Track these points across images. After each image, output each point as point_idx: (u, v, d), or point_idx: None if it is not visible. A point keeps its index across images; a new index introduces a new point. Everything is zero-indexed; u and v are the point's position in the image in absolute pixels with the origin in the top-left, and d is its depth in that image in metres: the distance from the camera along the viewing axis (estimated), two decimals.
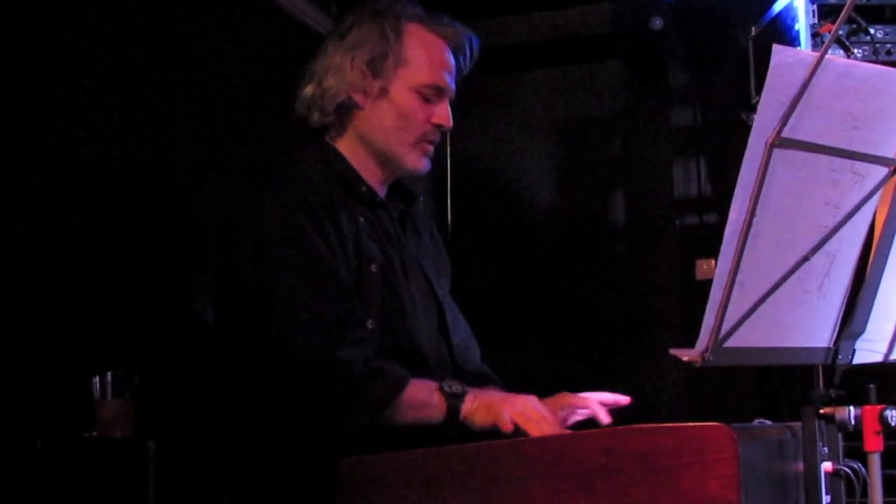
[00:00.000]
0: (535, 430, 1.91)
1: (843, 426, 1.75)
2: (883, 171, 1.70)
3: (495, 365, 3.82)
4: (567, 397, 2.14)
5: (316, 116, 2.26)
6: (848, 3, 1.70)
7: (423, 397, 2.02)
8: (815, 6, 3.16)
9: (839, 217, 1.68)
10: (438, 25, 2.28)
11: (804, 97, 1.58)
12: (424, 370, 2.11)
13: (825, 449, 1.77)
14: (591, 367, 3.78)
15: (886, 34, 3.16)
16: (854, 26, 3.12)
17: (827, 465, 1.76)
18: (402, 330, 2.15)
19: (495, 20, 3.85)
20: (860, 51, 3.12)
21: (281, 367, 2.01)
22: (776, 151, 1.57)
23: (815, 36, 3.14)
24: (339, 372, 1.98)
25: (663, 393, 3.74)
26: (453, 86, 2.29)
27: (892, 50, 3.14)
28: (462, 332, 2.40)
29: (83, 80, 2.37)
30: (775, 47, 1.56)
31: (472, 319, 3.91)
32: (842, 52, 3.12)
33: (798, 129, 1.59)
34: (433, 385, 2.03)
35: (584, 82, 3.89)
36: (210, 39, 2.86)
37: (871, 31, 3.12)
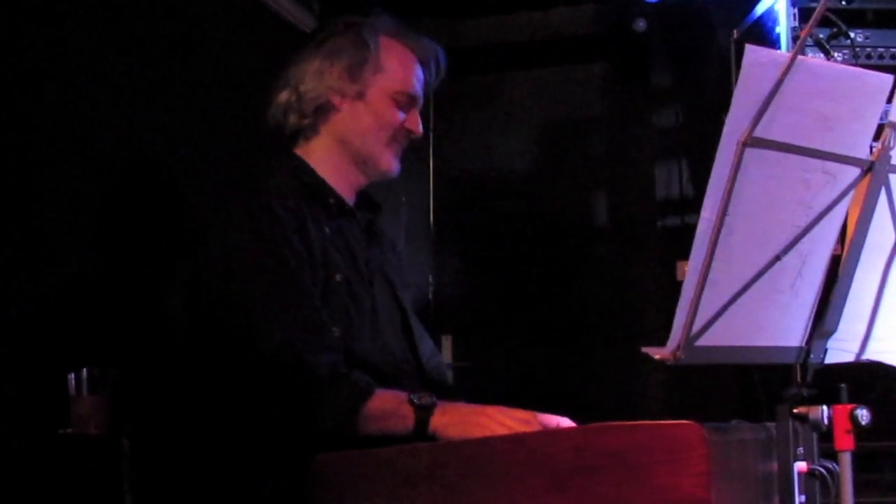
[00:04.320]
0: None
1: (816, 426, 1.75)
2: (855, 171, 1.72)
3: (475, 366, 3.86)
4: (538, 417, 2.13)
5: (293, 119, 2.31)
6: (820, 5, 1.70)
7: (390, 408, 2.00)
8: (796, 10, 3.18)
9: (811, 217, 1.69)
10: (410, 40, 2.37)
11: (776, 97, 1.59)
12: (391, 380, 2.11)
13: (801, 449, 1.78)
14: (573, 367, 3.79)
15: (867, 38, 3.19)
16: (834, 30, 3.15)
17: (801, 465, 1.77)
18: (368, 339, 2.17)
19: (479, 20, 3.87)
20: (840, 54, 3.15)
21: (247, 372, 2.03)
22: (748, 151, 1.59)
23: (797, 39, 3.15)
24: (304, 378, 1.99)
25: (645, 393, 3.76)
26: (422, 96, 2.38)
27: (872, 53, 3.17)
28: (430, 349, 2.41)
29: (65, 77, 2.37)
30: (748, 47, 1.57)
31: (454, 319, 3.96)
32: (822, 55, 3.14)
33: (770, 128, 1.60)
34: (402, 396, 2.02)
35: (567, 83, 3.92)
36: (194, 36, 2.86)
37: (852, 34, 3.15)
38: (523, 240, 3.94)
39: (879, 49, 3.18)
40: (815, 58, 2.92)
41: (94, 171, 2.46)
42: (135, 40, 2.61)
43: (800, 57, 1.59)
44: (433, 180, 3.95)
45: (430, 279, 3.95)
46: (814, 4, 3.16)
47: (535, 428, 1.95)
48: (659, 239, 3.73)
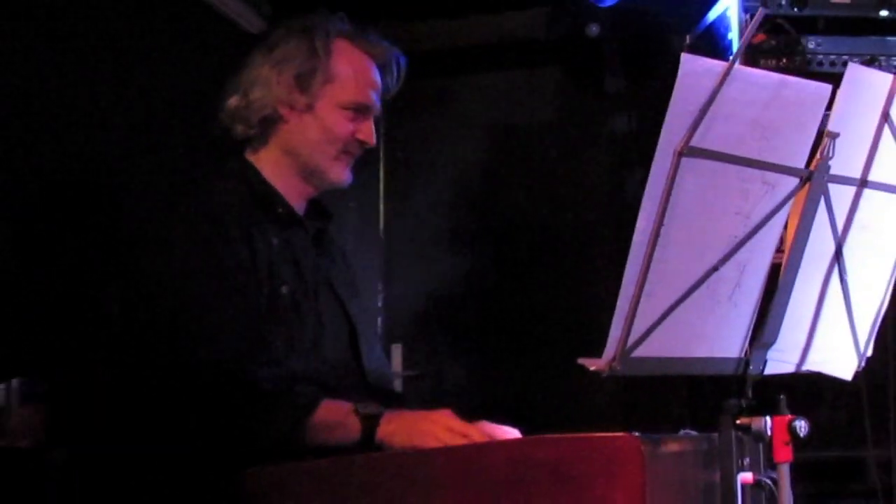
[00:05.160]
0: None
1: (759, 436, 1.78)
2: (793, 181, 1.74)
3: (425, 375, 3.86)
4: (486, 427, 2.15)
5: (240, 129, 2.29)
6: (757, 15, 1.72)
7: (336, 418, 2.01)
8: (748, 16, 3.21)
9: (749, 227, 1.71)
10: (367, 43, 2.33)
11: (713, 106, 1.61)
12: (334, 394, 2.11)
13: (746, 460, 1.80)
14: (525, 378, 3.80)
15: (819, 45, 3.22)
16: (787, 37, 3.18)
17: (746, 476, 1.79)
18: (311, 353, 2.16)
19: (431, 23, 3.86)
20: (792, 62, 3.18)
21: (189, 386, 2.01)
22: (684, 160, 1.60)
23: (749, 45, 3.18)
24: (246, 392, 1.99)
25: (598, 403, 3.77)
26: (378, 103, 2.35)
27: (824, 61, 3.20)
28: (377, 360, 2.41)
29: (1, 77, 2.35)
30: (684, 56, 1.59)
31: (404, 327, 3.96)
32: (774, 62, 3.17)
33: (707, 138, 1.62)
34: (348, 406, 2.03)
35: (520, 88, 3.92)
36: (138, 36, 2.84)
37: (803, 41, 3.18)
38: (474, 247, 3.95)
39: (832, 56, 3.21)
40: (752, 67, 2.95)
41: (28, 175, 2.43)
42: (69, 36, 2.58)
43: (736, 66, 1.61)
44: (384, 185, 3.95)
45: (380, 286, 3.95)
46: (766, 12, 3.19)
47: (478, 436, 1.97)
48: (613, 247, 3.75)
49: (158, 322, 2.06)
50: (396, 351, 3.90)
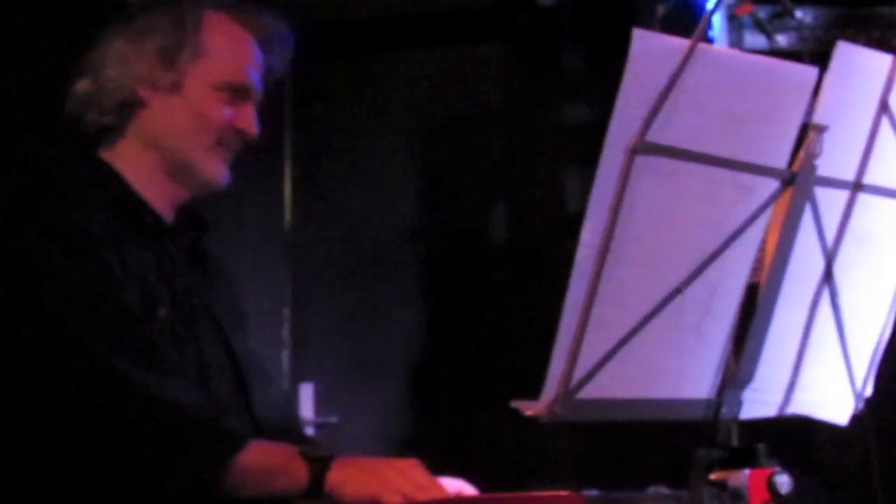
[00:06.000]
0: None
1: (738, 495, 1.80)
2: (773, 183, 1.77)
3: (342, 422, 3.86)
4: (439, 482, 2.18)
5: (92, 117, 2.28)
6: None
7: (276, 463, 2.02)
8: None
9: (720, 239, 1.74)
10: (245, 16, 2.35)
11: (674, 94, 1.63)
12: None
13: None
14: (465, 423, 3.82)
15: (816, 18, 3.29)
16: (778, 8, 3.24)
17: None
18: (194, 387, 2.17)
19: None
20: (784, 38, 3.24)
21: (85, 418, 2.01)
22: (639, 158, 1.62)
23: (733, 18, 3.25)
24: (166, 419, 2.00)
25: (554, 452, 3.80)
26: (260, 87, 2.36)
27: (823, 37, 3.26)
28: (271, 405, 2.41)
29: None
30: (636, 32, 1.62)
31: (317, 363, 3.95)
32: (763, 38, 3.24)
33: (666, 132, 1.64)
34: (290, 449, 2.05)
35: (455, 68, 3.96)
36: None
37: (798, 14, 3.24)
38: (403, 264, 3.96)
39: (831, 31, 3.27)
40: (719, 46, 3.01)
41: None
42: None
43: (702, 45, 1.64)
44: (290, 186, 3.95)
45: (286, 313, 3.95)
46: None
47: (444, 494, 2.00)
48: (568, 261, 3.77)
49: (35, 350, 2.05)
50: (307, 391, 3.89)
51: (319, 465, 2.00)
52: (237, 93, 2.30)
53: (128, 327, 2.07)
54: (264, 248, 3.93)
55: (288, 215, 3.96)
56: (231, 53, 2.30)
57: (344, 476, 1.98)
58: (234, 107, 2.29)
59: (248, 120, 2.31)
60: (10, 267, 2.13)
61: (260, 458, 2.02)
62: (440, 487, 2.00)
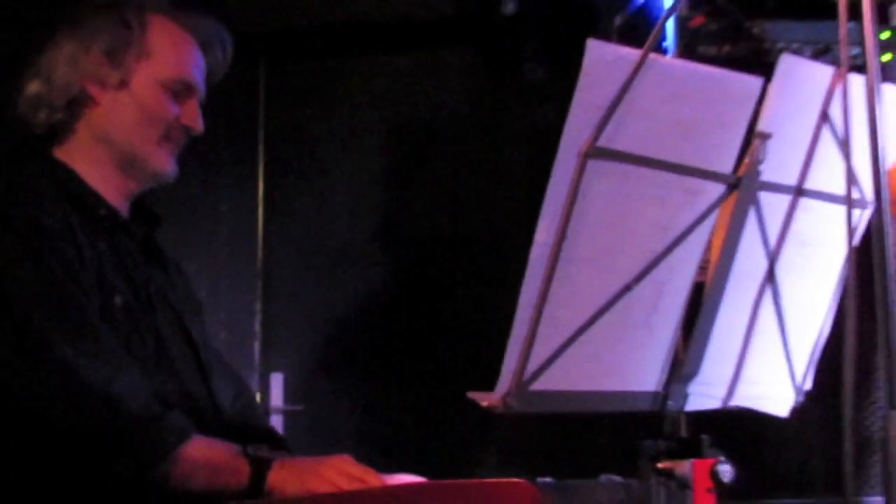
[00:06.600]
0: None
1: (684, 483, 1.82)
2: (719, 188, 1.79)
3: (310, 410, 3.86)
4: (383, 478, 2.18)
5: (43, 116, 2.30)
6: (665, 13, 1.77)
7: (221, 459, 2.04)
8: None
9: (668, 240, 1.75)
10: (185, 18, 2.38)
11: (625, 101, 1.65)
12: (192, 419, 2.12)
13: None
14: (428, 414, 3.82)
15: (765, 29, 3.30)
16: (729, 20, 3.25)
17: None
18: (157, 375, 2.17)
19: None
20: (734, 48, 3.25)
21: (36, 408, 2.02)
22: (591, 163, 1.64)
23: (686, 29, 3.26)
24: (113, 410, 1.99)
25: (512, 442, 3.81)
26: (203, 86, 2.39)
27: (772, 49, 3.28)
28: (231, 382, 2.43)
29: None
30: (590, 42, 1.63)
31: (286, 354, 3.95)
32: (714, 49, 3.25)
33: (617, 137, 1.66)
34: (234, 448, 2.07)
35: (422, 73, 3.95)
36: None
37: (748, 25, 3.25)
38: (371, 261, 3.96)
39: (779, 43, 3.29)
40: (672, 56, 3.02)
41: None
42: None
43: (652, 55, 1.65)
44: (262, 187, 3.94)
45: (258, 306, 3.94)
46: None
47: (376, 482, 2.00)
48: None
49: None
50: (276, 381, 3.90)
51: (261, 465, 2.03)
52: (182, 90, 2.32)
53: (82, 321, 2.06)
54: (237, 246, 3.92)
55: (260, 214, 3.96)
56: (175, 53, 2.33)
57: (284, 475, 2.01)
58: (179, 103, 2.32)
59: (193, 116, 2.34)
60: None
61: (204, 453, 2.04)
62: (376, 477, 2.01)
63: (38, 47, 2.33)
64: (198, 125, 2.35)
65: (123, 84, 2.28)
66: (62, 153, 2.31)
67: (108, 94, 2.29)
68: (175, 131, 2.32)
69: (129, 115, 2.29)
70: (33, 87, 2.29)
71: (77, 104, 2.28)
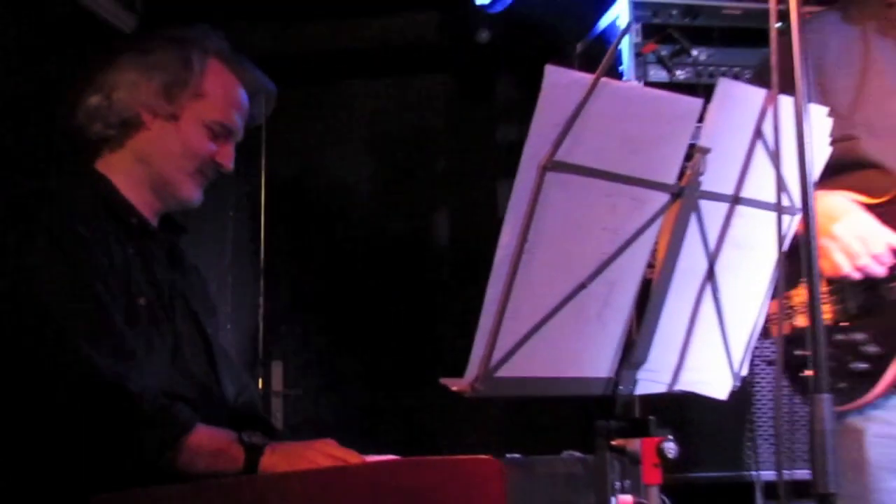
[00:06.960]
0: None
1: (635, 458, 1.81)
2: (664, 197, 1.78)
3: (306, 394, 3.86)
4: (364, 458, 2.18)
5: (97, 128, 2.30)
6: (625, 26, 1.76)
7: (219, 447, 2.05)
8: (638, 25, 3.29)
9: (618, 243, 1.75)
10: (240, 69, 2.39)
11: (580, 120, 1.64)
12: (197, 411, 2.11)
13: (626, 482, 1.83)
14: (410, 398, 3.82)
15: (710, 56, 3.32)
16: (678, 47, 3.27)
17: (626, 499, 1.82)
18: (172, 369, 2.17)
19: (313, 25, 3.87)
20: (683, 72, 3.27)
21: (52, 395, 2.00)
22: (549, 175, 1.63)
23: (639, 55, 3.26)
24: (123, 405, 1.99)
25: (485, 423, 3.81)
26: (242, 130, 2.40)
27: (715, 73, 3.29)
28: (237, 378, 2.42)
29: None
30: (548, 68, 1.63)
31: (285, 344, 3.94)
32: (665, 73, 3.26)
33: (573, 152, 1.65)
34: (231, 434, 2.07)
35: (406, 95, 3.96)
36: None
37: (695, 52, 3.27)
38: (359, 263, 3.96)
39: (722, 67, 3.31)
40: (624, 80, 3.03)
41: None
42: None
43: (604, 79, 1.65)
44: (265, 194, 3.94)
45: (260, 301, 3.94)
46: (656, 21, 3.27)
47: (356, 461, 2.00)
48: None
49: (19, 334, 2.04)
50: (277, 368, 3.91)
51: (254, 450, 2.04)
52: (222, 132, 2.33)
53: (103, 322, 2.07)
54: (242, 249, 3.92)
55: (262, 219, 3.96)
56: (224, 99, 2.34)
57: (274, 459, 2.03)
58: (217, 143, 2.33)
59: (228, 157, 2.35)
60: (3, 263, 2.12)
61: (206, 440, 2.05)
62: (357, 457, 2.02)
63: (100, 66, 2.33)
64: (229, 165, 2.36)
65: (173, 117, 2.30)
66: (103, 165, 2.32)
67: (158, 123, 2.29)
68: (208, 167, 2.33)
69: (172, 146, 2.30)
70: (94, 101, 2.29)
71: (128, 125, 2.29)
